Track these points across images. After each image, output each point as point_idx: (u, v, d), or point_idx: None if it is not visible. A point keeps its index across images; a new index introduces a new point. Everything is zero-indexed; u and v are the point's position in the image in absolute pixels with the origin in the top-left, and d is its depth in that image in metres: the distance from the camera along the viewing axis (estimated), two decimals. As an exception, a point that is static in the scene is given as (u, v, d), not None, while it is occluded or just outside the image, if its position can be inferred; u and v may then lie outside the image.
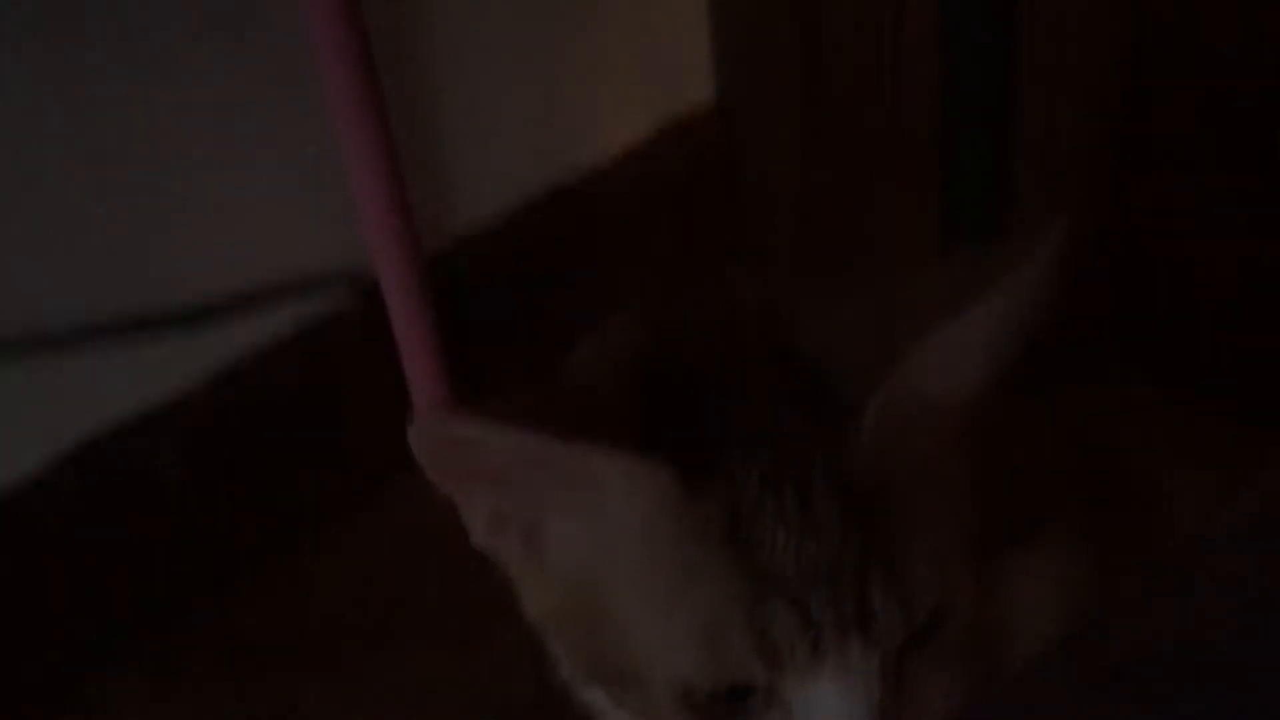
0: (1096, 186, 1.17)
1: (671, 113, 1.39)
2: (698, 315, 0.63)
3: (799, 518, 0.54)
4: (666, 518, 0.54)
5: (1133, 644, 0.37)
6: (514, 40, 1.29)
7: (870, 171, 1.34)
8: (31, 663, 1.13)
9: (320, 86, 1.12)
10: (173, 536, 1.18)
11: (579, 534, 0.57)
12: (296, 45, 1.09)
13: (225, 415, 1.20)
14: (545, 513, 0.58)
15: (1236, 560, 0.39)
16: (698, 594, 0.54)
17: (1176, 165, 1.12)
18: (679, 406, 0.57)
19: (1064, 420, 0.70)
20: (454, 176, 1.30)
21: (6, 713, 1.11)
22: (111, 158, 1.10)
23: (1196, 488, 0.68)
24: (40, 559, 1.13)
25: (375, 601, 1.19)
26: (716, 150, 1.41)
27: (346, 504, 1.25)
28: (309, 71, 1.07)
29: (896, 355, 0.53)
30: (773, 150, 1.40)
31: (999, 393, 0.59)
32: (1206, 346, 1.14)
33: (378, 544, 1.24)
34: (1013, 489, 0.64)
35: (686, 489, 0.54)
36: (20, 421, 1.11)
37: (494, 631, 1.14)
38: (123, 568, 1.16)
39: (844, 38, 1.29)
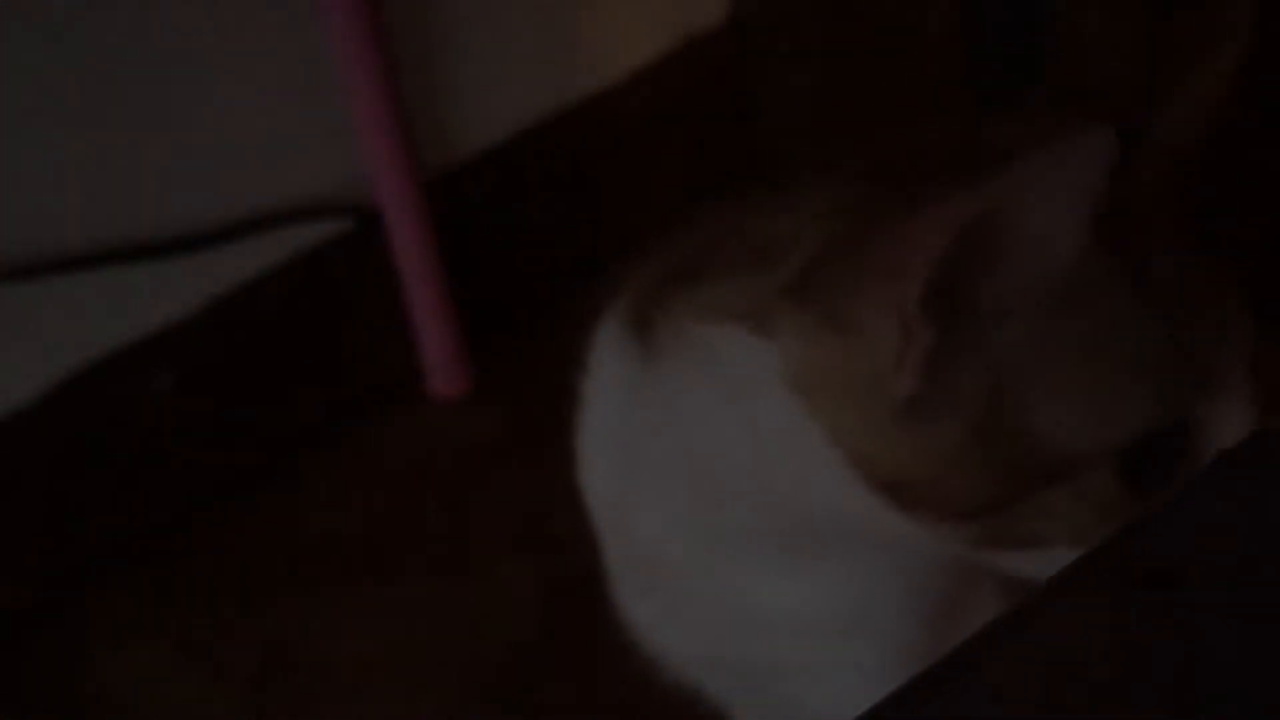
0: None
1: (684, 32, 1.35)
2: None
3: (1181, 273, 0.57)
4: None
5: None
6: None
7: (891, 86, 1.30)
8: (26, 584, 1.12)
9: (319, 8, 1.10)
10: (168, 461, 1.16)
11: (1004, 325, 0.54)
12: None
13: (222, 340, 1.18)
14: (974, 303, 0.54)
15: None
16: (1125, 337, 0.56)
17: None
18: None
19: None
20: (461, 99, 1.26)
21: (0, 634, 1.10)
22: (108, 85, 1.08)
23: None
24: (35, 484, 1.11)
25: (372, 528, 1.16)
26: (729, 70, 1.37)
27: (343, 430, 1.22)
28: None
29: None
30: (787, 63, 1.36)
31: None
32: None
33: (375, 470, 1.21)
34: None
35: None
36: (18, 347, 1.10)
37: (494, 563, 1.12)
38: (119, 491, 1.15)
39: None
